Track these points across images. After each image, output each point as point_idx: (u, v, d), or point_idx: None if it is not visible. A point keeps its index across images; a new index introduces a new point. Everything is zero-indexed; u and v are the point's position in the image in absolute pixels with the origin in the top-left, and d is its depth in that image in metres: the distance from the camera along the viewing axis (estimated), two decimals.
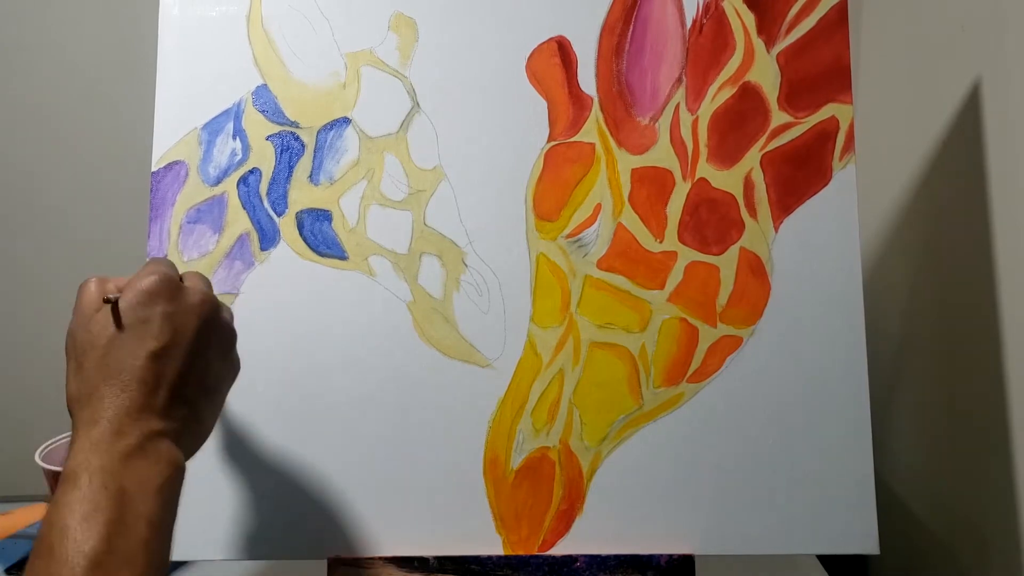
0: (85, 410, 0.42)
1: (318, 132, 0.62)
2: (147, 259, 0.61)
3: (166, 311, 0.44)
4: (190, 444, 0.45)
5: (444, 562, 0.58)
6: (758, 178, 0.60)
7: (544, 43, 0.62)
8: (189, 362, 0.45)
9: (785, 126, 0.60)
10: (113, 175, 0.93)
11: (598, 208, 0.61)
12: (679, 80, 0.61)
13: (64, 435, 0.74)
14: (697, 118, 0.61)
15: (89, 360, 0.43)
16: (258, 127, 0.62)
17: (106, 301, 0.44)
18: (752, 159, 0.60)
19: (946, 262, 0.69)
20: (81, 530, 0.37)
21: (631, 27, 0.61)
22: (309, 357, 0.60)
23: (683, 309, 0.60)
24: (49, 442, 0.75)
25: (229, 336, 0.48)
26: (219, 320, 0.47)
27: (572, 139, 0.61)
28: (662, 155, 0.61)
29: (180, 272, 0.48)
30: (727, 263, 0.60)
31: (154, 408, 0.43)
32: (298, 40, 0.63)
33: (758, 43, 0.61)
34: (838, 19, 0.60)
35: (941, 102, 0.68)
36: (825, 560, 0.70)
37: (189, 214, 0.62)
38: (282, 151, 0.62)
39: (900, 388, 0.78)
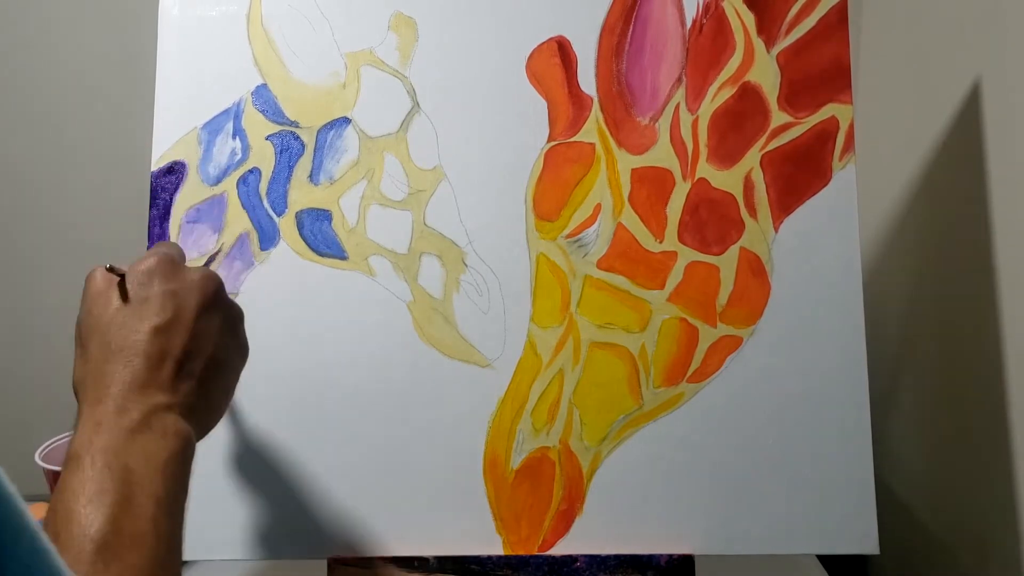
0: (89, 391, 0.41)
1: (318, 132, 0.62)
2: None
3: (166, 289, 0.44)
4: (200, 420, 0.44)
5: (444, 562, 0.58)
6: (758, 178, 0.60)
7: (544, 43, 0.62)
8: (194, 336, 0.44)
9: (785, 126, 0.60)
10: (113, 175, 0.93)
11: (598, 208, 0.61)
12: (679, 80, 0.61)
13: (65, 435, 0.74)
14: (697, 118, 0.61)
15: (93, 342, 0.43)
16: (258, 127, 0.62)
17: (109, 270, 0.45)
18: (752, 159, 0.60)
19: (946, 262, 0.69)
20: (86, 513, 0.36)
21: (631, 27, 0.61)
22: (309, 357, 0.60)
23: (683, 309, 0.60)
24: (49, 442, 0.75)
25: (235, 313, 0.48)
26: (223, 297, 0.47)
27: (572, 139, 0.61)
28: (662, 155, 0.61)
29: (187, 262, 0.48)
30: (727, 263, 0.60)
31: (159, 383, 0.42)
32: (298, 40, 0.63)
33: (758, 43, 0.61)
34: (838, 19, 0.60)
35: (941, 102, 0.68)
36: (825, 560, 0.70)
37: (189, 214, 0.62)
38: (282, 151, 0.62)
39: (900, 388, 0.78)
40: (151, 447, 0.39)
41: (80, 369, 0.43)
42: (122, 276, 0.45)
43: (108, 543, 0.35)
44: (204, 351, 0.44)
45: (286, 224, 0.61)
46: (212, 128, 0.62)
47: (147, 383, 0.41)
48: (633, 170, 0.61)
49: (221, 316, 0.46)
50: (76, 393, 0.42)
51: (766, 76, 0.60)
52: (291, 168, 0.62)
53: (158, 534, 0.37)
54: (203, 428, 0.45)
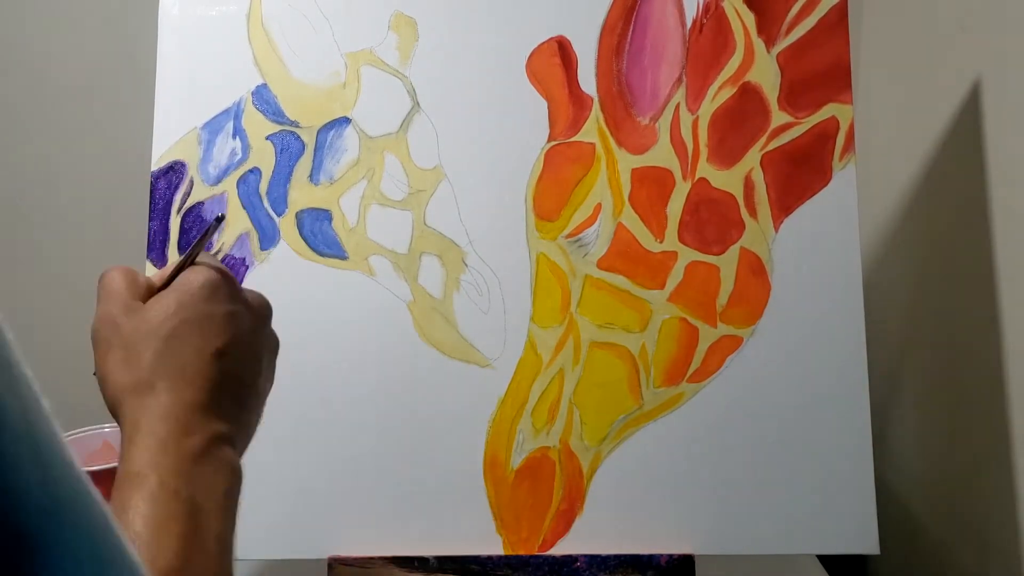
0: (144, 400, 0.39)
1: (318, 132, 0.62)
2: (146, 258, 0.61)
3: (229, 310, 0.43)
4: (242, 451, 0.43)
5: (444, 562, 0.58)
6: (758, 178, 0.60)
7: (544, 43, 0.62)
8: (246, 364, 0.43)
9: (785, 126, 0.60)
10: (113, 175, 0.93)
11: (598, 208, 0.61)
12: (679, 80, 0.61)
13: (75, 431, 0.74)
14: (697, 118, 0.61)
15: (147, 350, 0.40)
16: (258, 127, 0.62)
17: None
18: (752, 159, 0.60)
19: (946, 261, 0.69)
20: (155, 541, 0.35)
21: (631, 27, 0.61)
22: (309, 357, 0.60)
23: (683, 309, 0.60)
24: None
25: (276, 342, 0.47)
26: (270, 327, 0.46)
27: (572, 139, 0.61)
28: (662, 155, 0.61)
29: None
30: (727, 263, 0.60)
31: (218, 410, 0.40)
32: (298, 40, 0.63)
33: (758, 43, 0.61)
34: (838, 19, 0.60)
35: (941, 102, 0.68)
36: (825, 560, 0.70)
37: (189, 214, 0.62)
38: (282, 151, 0.62)
39: (900, 388, 0.78)
40: (213, 480, 0.39)
41: (125, 375, 0.40)
42: (168, 281, 0.43)
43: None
44: (252, 380, 0.44)
45: (286, 224, 0.61)
46: (212, 128, 0.62)
47: (207, 407, 0.40)
48: (633, 170, 0.61)
49: (268, 346, 0.46)
50: (119, 399, 0.40)
51: (766, 76, 0.60)
52: (291, 168, 0.62)
53: (220, 572, 0.37)
54: (240, 457, 0.44)
